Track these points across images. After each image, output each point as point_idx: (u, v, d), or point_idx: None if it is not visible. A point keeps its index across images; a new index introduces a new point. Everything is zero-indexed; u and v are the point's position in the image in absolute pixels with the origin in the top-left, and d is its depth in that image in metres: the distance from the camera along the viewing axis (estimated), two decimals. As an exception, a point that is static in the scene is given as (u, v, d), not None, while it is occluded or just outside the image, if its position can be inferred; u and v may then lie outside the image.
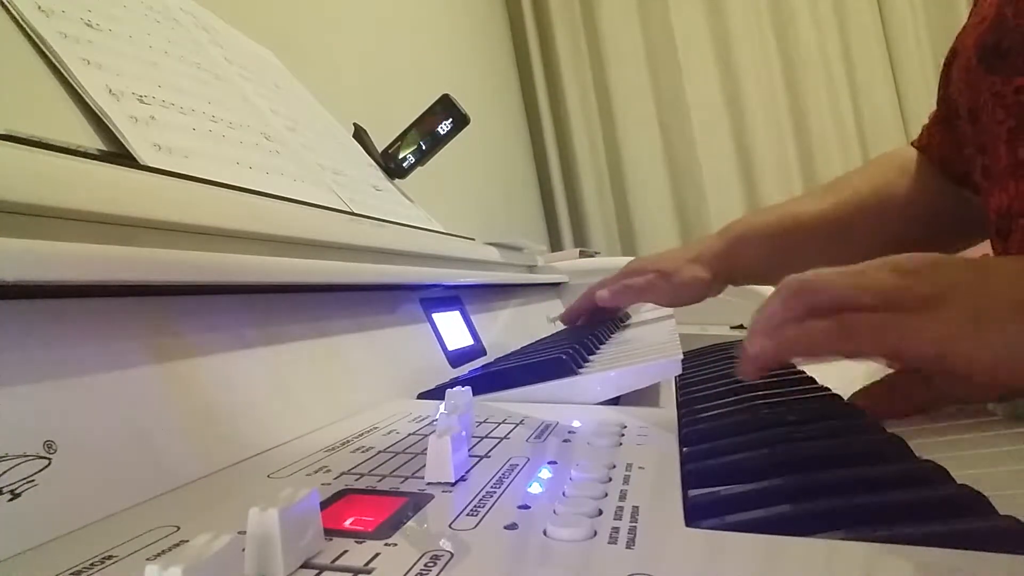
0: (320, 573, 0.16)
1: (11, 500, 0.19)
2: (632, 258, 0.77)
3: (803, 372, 0.46)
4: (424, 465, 0.24)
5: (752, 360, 0.34)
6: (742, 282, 0.72)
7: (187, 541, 0.15)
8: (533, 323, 0.83)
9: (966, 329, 0.29)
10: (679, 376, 0.43)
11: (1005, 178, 0.47)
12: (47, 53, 0.33)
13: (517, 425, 0.32)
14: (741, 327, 0.97)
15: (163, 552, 0.18)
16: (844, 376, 0.42)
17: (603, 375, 0.40)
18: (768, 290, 1.22)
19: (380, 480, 0.24)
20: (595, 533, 0.19)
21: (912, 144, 0.65)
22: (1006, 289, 0.30)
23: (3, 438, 0.19)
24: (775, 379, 0.44)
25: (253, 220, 0.32)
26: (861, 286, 0.32)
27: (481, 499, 0.21)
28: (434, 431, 0.24)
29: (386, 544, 0.18)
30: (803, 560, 0.17)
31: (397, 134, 0.80)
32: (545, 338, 0.72)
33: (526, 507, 0.21)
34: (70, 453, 0.21)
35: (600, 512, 0.20)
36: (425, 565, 0.17)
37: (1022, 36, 0.43)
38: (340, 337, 0.40)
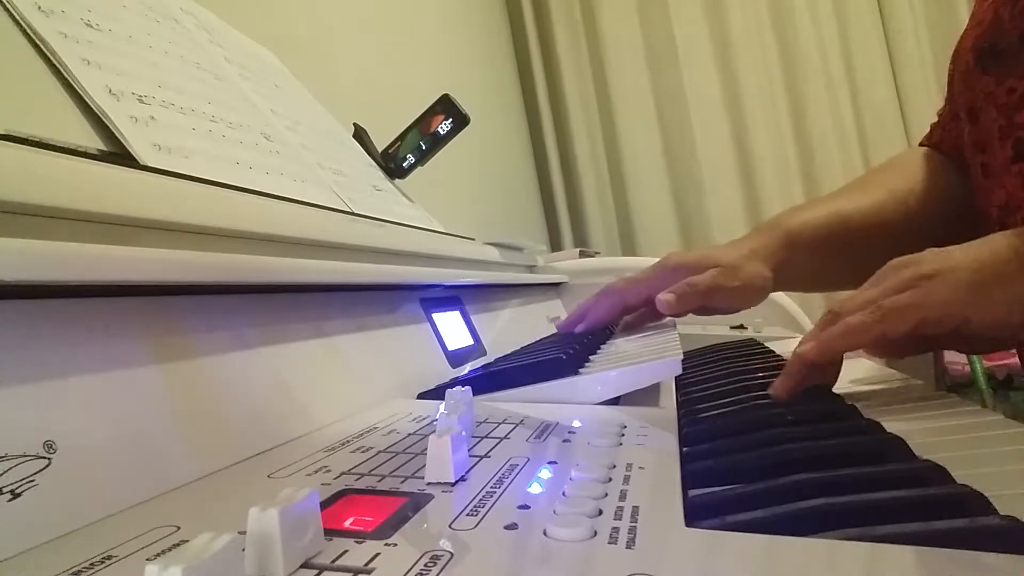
0: (320, 573, 0.16)
1: (11, 500, 0.19)
2: (666, 255, 0.62)
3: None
4: (424, 465, 0.24)
5: (800, 358, 0.38)
6: (788, 289, 0.63)
7: (187, 541, 0.15)
8: (533, 323, 0.83)
9: (973, 289, 0.35)
10: (679, 376, 0.43)
11: (1002, 175, 0.47)
12: (47, 53, 0.33)
13: (517, 425, 0.32)
14: (741, 327, 0.97)
15: (163, 552, 0.18)
16: (844, 376, 0.42)
17: (603, 375, 0.40)
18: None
19: (380, 480, 0.24)
20: (595, 533, 0.19)
21: (922, 143, 0.62)
22: (1001, 251, 0.37)
23: (3, 438, 0.19)
24: (774, 379, 0.44)
25: (253, 220, 0.32)
26: (880, 283, 0.38)
27: (481, 499, 0.21)
28: (434, 431, 0.24)
29: (386, 544, 0.18)
30: (803, 560, 0.17)
31: (397, 134, 0.80)
32: (545, 338, 0.72)
33: (526, 507, 0.21)
34: (70, 453, 0.21)
35: (600, 512, 0.20)
36: (425, 565, 0.17)
37: (1016, 38, 0.44)
38: (340, 337, 0.40)
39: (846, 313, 0.38)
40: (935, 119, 0.63)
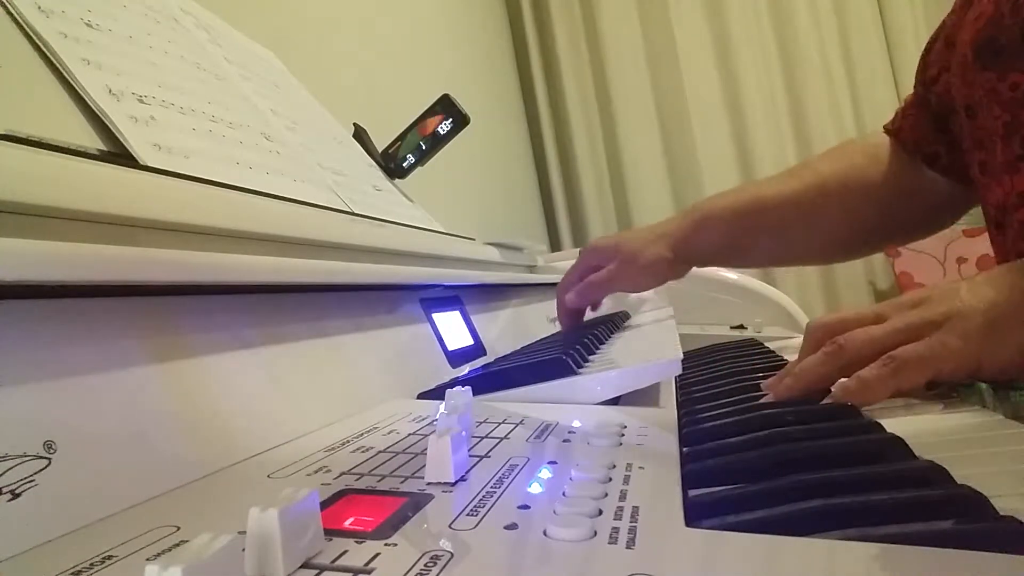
0: (320, 573, 0.16)
1: (11, 500, 0.19)
2: (590, 241, 0.76)
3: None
4: (424, 465, 0.24)
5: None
6: (705, 263, 0.72)
7: (187, 541, 0.15)
8: (533, 323, 0.83)
9: (985, 337, 0.35)
10: (679, 376, 0.43)
11: (1001, 173, 0.47)
12: (47, 53, 0.33)
13: (517, 425, 0.32)
14: (741, 327, 0.97)
15: (163, 552, 0.18)
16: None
17: (603, 375, 0.40)
18: (767, 289, 1.21)
19: (380, 480, 0.24)
20: (595, 533, 0.19)
21: (884, 127, 0.65)
22: (1007, 292, 0.36)
23: (3, 438, 0.19)
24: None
25: (253, 220, 0.32)
26: (893, 328, 0.37)
27: (481, 499, 0.21)
28: (434, 431, 0.24)
29: (386, 544, 0.18)
30: (803, 560, 0.17)
31: (397, 134, 0.80)
32: (545, 338, 0.72)
33: (526, 507, 0.21)
34: (70, 453, 0.21)
35: (600, 512, 0.20)
36: (425, 565, 0.17)
37: (1018, 32, 0.44)
38: (340, 337, 0.40)
39: (851, 350, 0.37)
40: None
